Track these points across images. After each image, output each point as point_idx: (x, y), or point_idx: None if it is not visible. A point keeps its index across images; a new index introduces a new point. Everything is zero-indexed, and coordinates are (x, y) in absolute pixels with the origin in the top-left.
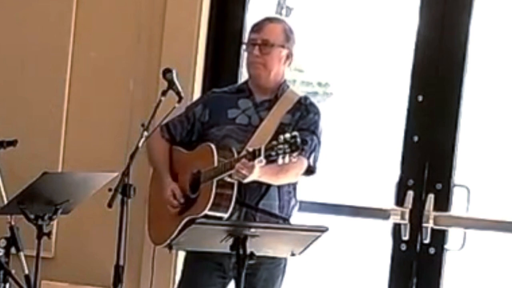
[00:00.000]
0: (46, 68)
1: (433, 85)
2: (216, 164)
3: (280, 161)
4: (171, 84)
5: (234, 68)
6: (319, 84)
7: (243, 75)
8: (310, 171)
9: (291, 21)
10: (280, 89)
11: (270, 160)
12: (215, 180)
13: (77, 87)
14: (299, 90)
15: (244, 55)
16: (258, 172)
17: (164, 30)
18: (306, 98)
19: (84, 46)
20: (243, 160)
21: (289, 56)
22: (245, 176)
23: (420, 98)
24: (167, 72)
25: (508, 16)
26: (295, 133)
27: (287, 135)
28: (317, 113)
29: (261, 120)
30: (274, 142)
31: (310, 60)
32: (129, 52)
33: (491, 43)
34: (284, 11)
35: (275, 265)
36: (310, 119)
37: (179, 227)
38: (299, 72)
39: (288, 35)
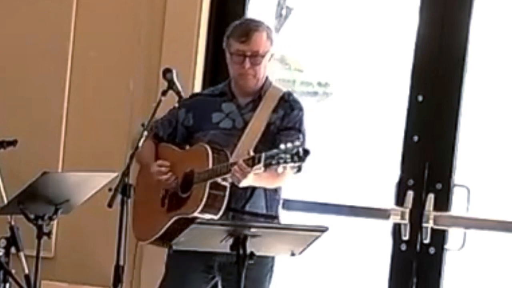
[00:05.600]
0: (46, 68)
1: (433, 85)
2: (211, 165)
3: (280, 169)
4: (171, 84)
5: None
6: (319, 84)
7: None
8: (297, 168)
9: (291, 21)
10: (263, 88)
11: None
12: (208, 182)
13: (77, 87)
14: (299, 89)
15: None
16: (252, 178)
17: (164, 30)
18: (289, 94)
19: (84, 46)
20: (240, 163)
21: (272, 56)
22: (239, 181)
23: (420, 98)
24: (167, 72)
25: (508, 16)
26: (297, 143)
27: (289, 145)
28: (301, 109)
29: (246, 122)
30: (275, 150)
31: (310, 60)
32: (129, 52)
33: (491, 43)
34: (284, 11)
35: (263, 265)
36: (295, 116)
37: (167, 225)
38: (299, 72)
39: (271, 39)
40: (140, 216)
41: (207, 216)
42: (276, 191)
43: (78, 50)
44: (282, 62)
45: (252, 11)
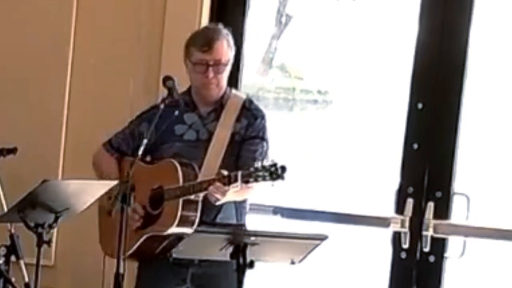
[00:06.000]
0: (46, 70)
1: (433, 92)
2: (181, 180)
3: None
4: (171, 92)
5: (233, 71)
6: (319, 92)
7: (242, 79)
8: None
9: (291, 29)
10: (224, 96)
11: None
12: (181, 199)
13: (77, 88)
14: (299, 97)
15: (244, 59)
16: (229, 195)
17: (164, 30)
18: (250, 101)
19: (84, 47)
20: (217, 184)
21: (232, 62)
22: (217, 200)
23: (420, 105)
24: (167, 79)
25: (507, 22)
26: (274, 160)
27: (266, 163)
28: (263, 117)
29: (210, 133)
30: (252, 169)
31: (310, 68)
32: (129, 52)
33: (491, 49)
34: (283, 19)
35: (229, 275)
36: (258, 124)
37: (138, 242)
38: (299, 80)
39: (231, 47)
40: (107, 233)
41: (182, 230)
42: (244, 200)
43: (78, 51)
44: (282, 70)
45: (252, 18)
